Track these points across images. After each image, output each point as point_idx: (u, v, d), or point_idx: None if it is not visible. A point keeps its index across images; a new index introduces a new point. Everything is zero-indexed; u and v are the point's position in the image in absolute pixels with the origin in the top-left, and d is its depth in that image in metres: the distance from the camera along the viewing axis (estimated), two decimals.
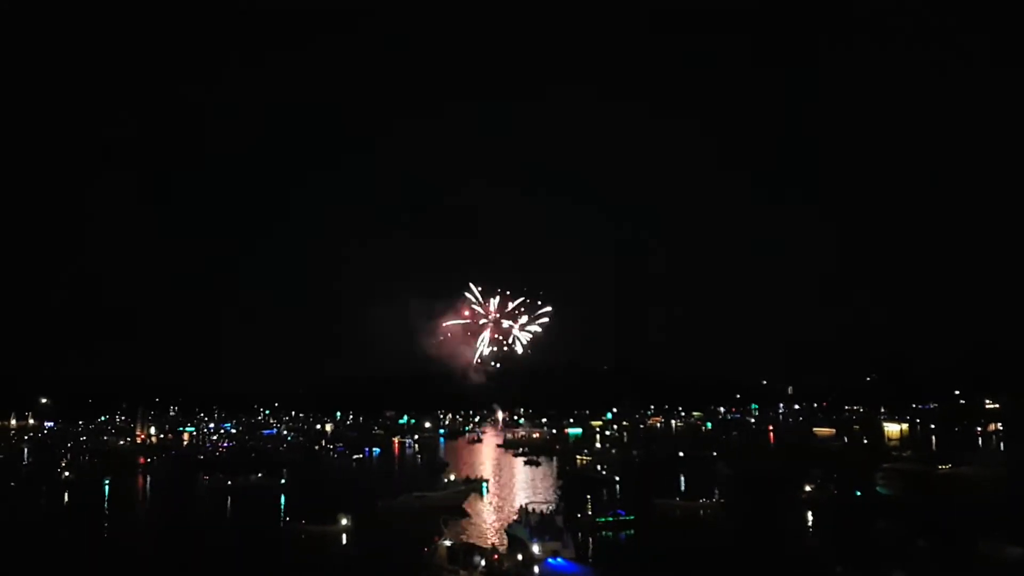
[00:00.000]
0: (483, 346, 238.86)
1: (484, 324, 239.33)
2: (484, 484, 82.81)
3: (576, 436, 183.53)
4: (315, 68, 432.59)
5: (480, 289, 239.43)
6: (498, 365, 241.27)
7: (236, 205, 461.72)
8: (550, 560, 44.00)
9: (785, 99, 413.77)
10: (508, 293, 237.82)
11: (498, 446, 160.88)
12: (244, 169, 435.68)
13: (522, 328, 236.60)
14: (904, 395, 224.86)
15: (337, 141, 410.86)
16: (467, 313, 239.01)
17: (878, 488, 76.71)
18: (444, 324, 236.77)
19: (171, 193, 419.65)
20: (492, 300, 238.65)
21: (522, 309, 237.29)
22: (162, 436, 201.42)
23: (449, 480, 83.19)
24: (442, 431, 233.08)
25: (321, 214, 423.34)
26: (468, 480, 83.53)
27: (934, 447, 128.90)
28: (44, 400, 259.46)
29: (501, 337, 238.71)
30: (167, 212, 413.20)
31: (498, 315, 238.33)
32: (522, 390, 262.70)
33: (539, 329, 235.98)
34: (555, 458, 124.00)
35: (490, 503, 73.48)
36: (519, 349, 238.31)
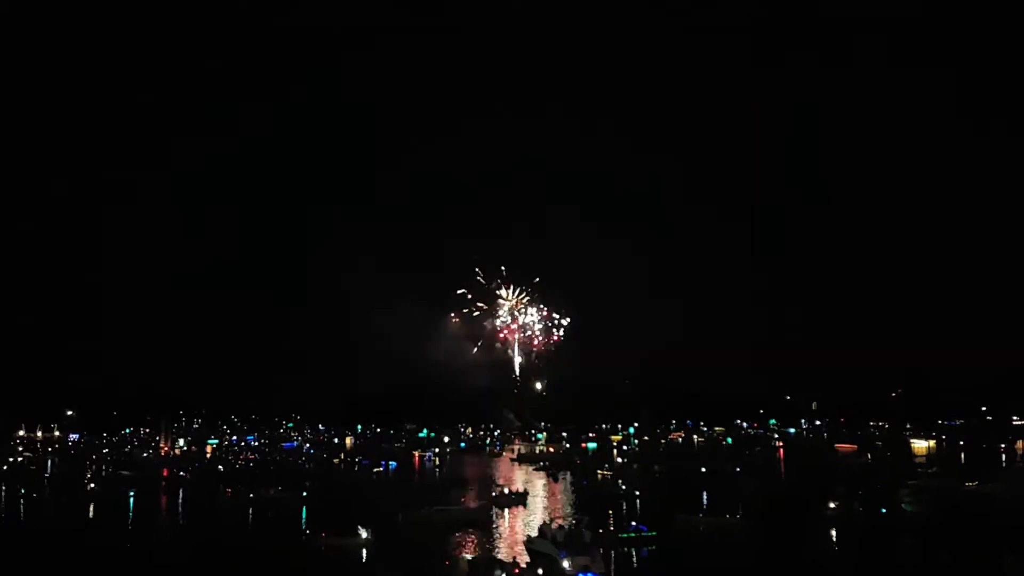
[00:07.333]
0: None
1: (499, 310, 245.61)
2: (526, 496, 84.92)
3: (592, 450, 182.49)
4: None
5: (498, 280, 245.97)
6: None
7: (246, 208, 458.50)
8: (580, 575, 43.99)
9: (791, 105, 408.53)
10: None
11: (512, 460, 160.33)
12: (243, 170, 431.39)
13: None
14: (930, 411, 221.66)
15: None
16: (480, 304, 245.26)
17: (904, 505, 75.64)
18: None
19: (187, 197, 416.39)
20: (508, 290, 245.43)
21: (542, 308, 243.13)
22: (186, 449, 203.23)
23: (501, 492, 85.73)
24: (462, 444, 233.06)
25: (333, 218, 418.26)
26: (512, 493, 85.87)
27: (962, 464, 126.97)
28: (69, 412, 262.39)
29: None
30: (185, 217, 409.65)
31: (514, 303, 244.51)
32: (541, 404, 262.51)
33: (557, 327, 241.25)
34: (568, 473, 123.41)
35: (506, 517, 73.44)
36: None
